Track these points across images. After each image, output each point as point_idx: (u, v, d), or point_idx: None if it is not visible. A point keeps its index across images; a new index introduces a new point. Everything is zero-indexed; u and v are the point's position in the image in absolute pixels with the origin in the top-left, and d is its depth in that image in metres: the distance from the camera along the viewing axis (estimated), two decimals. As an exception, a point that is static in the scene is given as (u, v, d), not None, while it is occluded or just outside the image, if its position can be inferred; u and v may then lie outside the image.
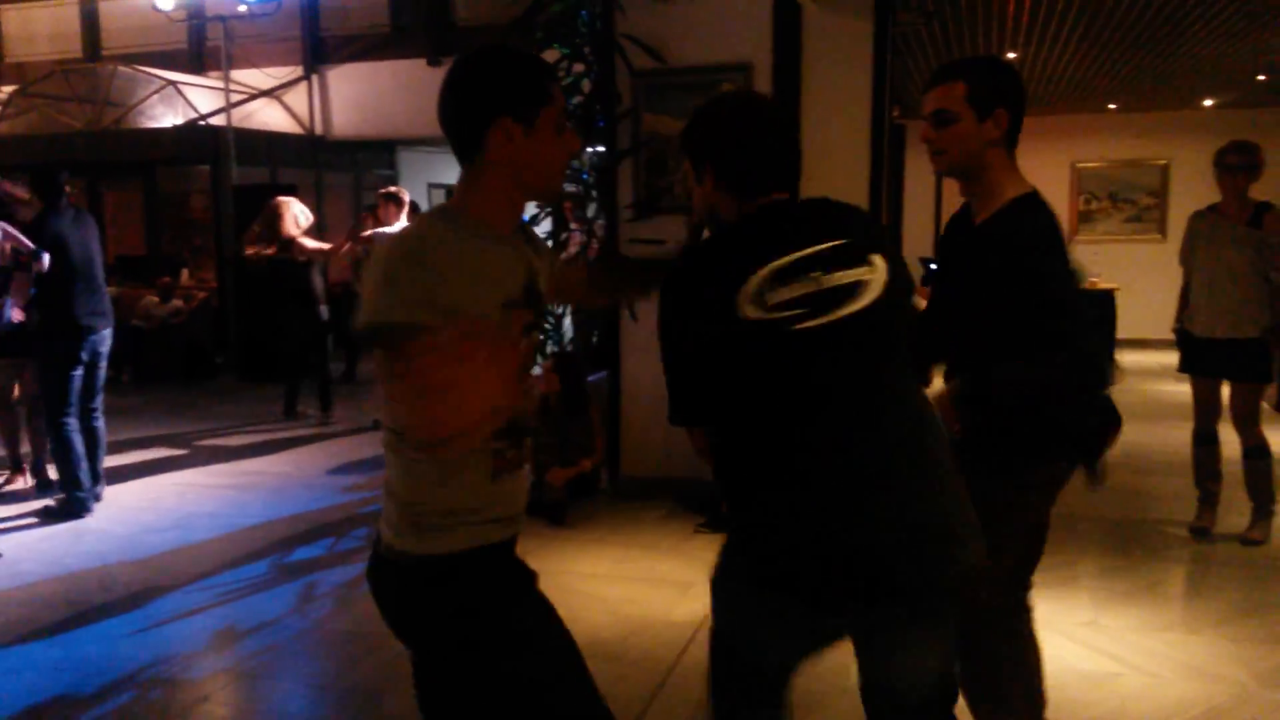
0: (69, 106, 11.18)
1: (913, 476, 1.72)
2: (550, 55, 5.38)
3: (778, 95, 5.07)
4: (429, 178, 14.07)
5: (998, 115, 2.15)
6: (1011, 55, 8.50)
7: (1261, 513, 4.66)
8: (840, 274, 1.72)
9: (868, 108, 5.11)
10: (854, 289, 1.72)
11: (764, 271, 1.69)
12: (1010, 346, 2.08)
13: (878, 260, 1.75)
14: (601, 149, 5.56)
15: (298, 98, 11.63)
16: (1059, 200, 11.90)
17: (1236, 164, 4.47)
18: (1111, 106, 11.12)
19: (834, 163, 5.07)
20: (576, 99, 5.47)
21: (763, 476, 1.76)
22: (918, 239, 11.92)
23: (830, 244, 1.73)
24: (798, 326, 1.68)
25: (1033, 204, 2.17)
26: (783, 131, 1.89)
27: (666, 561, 4.52)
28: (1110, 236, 11.89)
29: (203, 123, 10.88)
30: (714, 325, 1.72)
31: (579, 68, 5.50)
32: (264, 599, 4.16)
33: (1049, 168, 11.95)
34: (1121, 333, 10.20)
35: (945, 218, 15.13)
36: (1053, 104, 11.00)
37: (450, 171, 14.37)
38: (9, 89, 12.02)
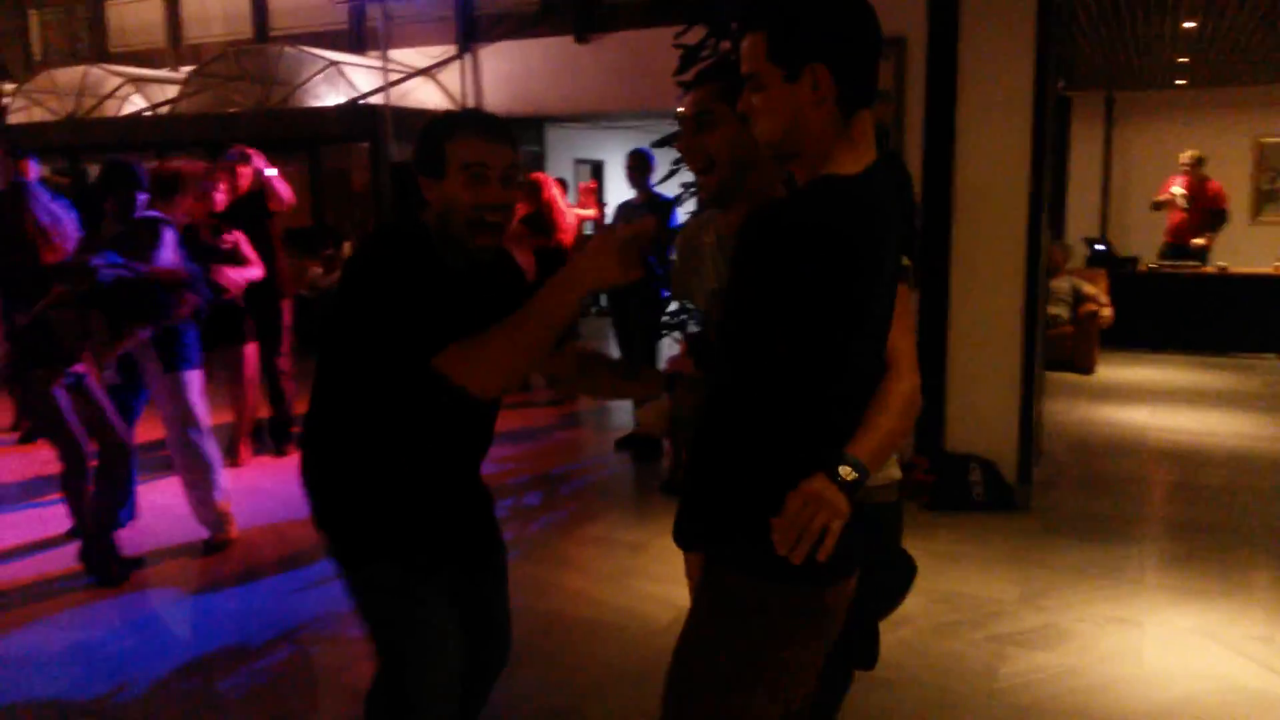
0: (240, 86, 11.78)
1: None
2: (695, 34, 5.37)
3: (933, 69, 4.92)
4: (574, 154, 14.26)
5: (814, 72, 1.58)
6: (1189, 25, 7.97)
7: None
8: None
9: (1030, 79, 4.84)
10: None
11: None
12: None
13: None
14: None
15: (452, 76, 11.92)
16: (1239, 179, 11.15)
17: None
18: (1301, 77, 10.32)
19: (993, 138, 4.89)
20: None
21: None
22: (1082, 218, 11.31)
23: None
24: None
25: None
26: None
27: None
28: (1294, 218, 11.06)
29: (362, 102, 11.30)
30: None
31: (725, 45, 5.45)
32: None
33: (1229, 144, 11.20)
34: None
35: (1114, 196, 14.22)
36: (1235, 76, 10.28)
37: (594, 148, 14.65)
38: (187, 70, 12.75)
